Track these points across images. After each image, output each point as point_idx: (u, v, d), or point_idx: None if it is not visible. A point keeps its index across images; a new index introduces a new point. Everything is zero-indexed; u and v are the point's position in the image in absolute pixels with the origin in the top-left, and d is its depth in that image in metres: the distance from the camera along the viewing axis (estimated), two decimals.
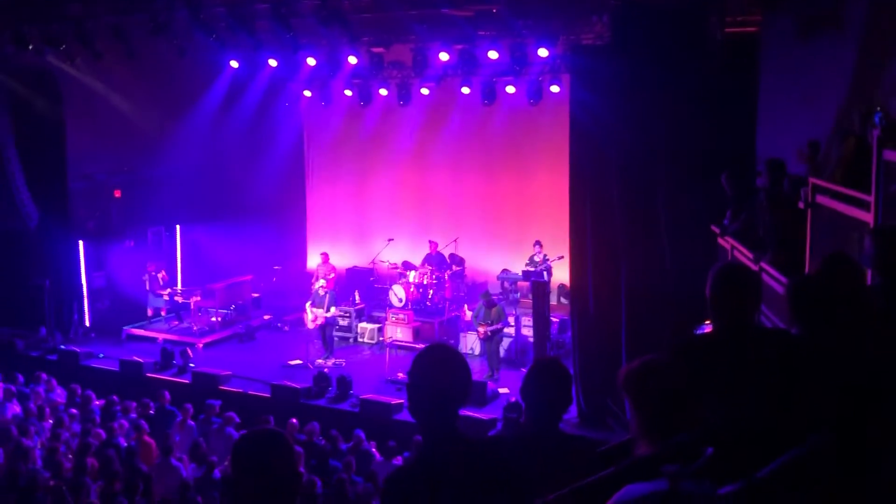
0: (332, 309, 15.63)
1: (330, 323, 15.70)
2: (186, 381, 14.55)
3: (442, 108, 18.02)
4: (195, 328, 17.22)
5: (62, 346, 16.46)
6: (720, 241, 9.64)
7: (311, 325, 15.69)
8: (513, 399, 12.77)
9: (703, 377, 3.23)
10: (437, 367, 3.03)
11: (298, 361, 15.45)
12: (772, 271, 7.49)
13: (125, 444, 10.89)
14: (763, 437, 2.16)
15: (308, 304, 15.78)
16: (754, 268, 7.77)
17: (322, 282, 16.10)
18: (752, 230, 8.57)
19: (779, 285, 7.06)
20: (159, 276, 17.90)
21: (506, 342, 15.11)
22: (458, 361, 3.07)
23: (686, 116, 11.39)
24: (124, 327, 17.35)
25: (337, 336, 16.35)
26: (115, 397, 13.09)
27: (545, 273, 15.91)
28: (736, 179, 9.48)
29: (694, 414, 2.75)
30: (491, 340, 14.30)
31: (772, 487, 1.66)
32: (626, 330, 12.09)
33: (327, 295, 15.57)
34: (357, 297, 17.45)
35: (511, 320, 15.11)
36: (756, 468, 1.78)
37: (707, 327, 4.26)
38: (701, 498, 1.72)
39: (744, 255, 8.49)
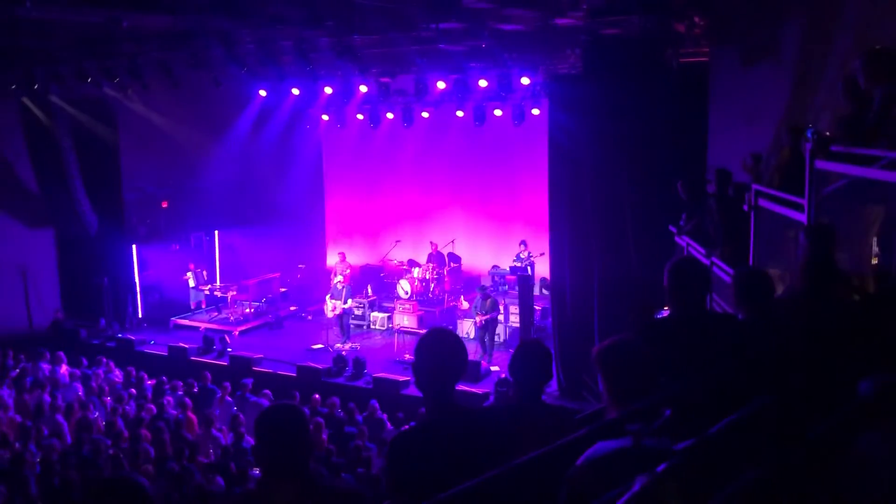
0: (349, 301, 15.63)
1: (347, 312, 15.70)
2: (225, 364, 14.57)
3: (440, 128, 18.02)
4: (232, 318, 17.23)
5: (119, 335, 16.45)
6: (677, 239, 9.64)
7: (330, 315, 15.71)
8: (503, 376, 12.77)
9: (663, 353, 3.25)
10: (437, 347, 3.03)
11: (320, 346, 15.46)
12: (721, 264, 7.49)
13: (174, 418, 10.89)
14: (713, 402, 2.18)
15: (328, 297, 15.79)
16: (706, 261, 7.78)
17: (340, 277, 16.13)
18: (704, 229, 8.57)
19: (727, 276, 7.06)
20: (203, 273, 17.93)
21: (499, 328, 15.09)
22: (456, 343, 3.07)
23: (647, 133, 11.40)
24: (171, 318, 17.37)
25: (353, 324, 16.35)
26: (164, 377, 13.09)
27: (529, 268, 15.92)
28: (690, 186, 9.48)
29: (655, 384, 2.77)
30: (486, 327, 14.27)
31: (721, 442, 1.68)
32: (597, 315, 12.09)
33: (344, 289, 15.58)
34: (370, 291, 17.45)
35: (501, 308, 15.09)
36: (707, 427, 1.80)
37: (666, 312, 4.28)
38: (660, 452, 1.73)
39: (697, 251, 8.49)
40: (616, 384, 2.78)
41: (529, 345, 3.89)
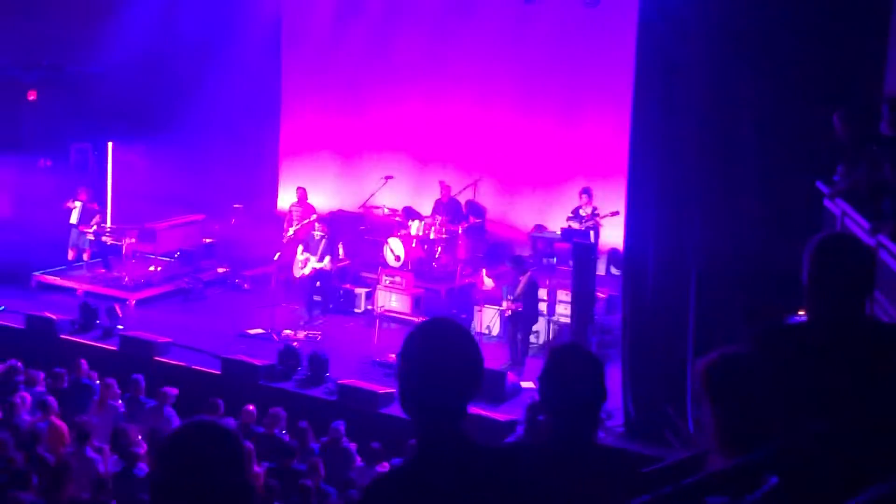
0: (326, 259, 15.90)
1: (323, 276, 16.11)
2: (113, 348, 14.67)
3: (465, 5, 17.84)
4: (127, 279, 17.30)
5: None
6: (827, 203, 9.57)
7: (298, 274, 16.12)
8: None
9: (791, 378, 3.24)
10: (437, 348, 3.04)
11: (260, 330, 15.58)
12: (892, 247, 7.46)
13: (27, 426, 10.96)
14: (859, 463, 2.16)
15: (300, 248, 16.18)
16: (870, 241, 7.74)
17: (296, 226, 16.30)
18: (871, 190, 8.50)
19: None
20: (97, 211, 17.92)
21: (540, 324, 15.03)
22: (466, 342, 3.09)
23: (795, 35, 11.24)
24: (34, 273, 17.47)
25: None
26: (17, 363, 13.18)
27: (592, 233, 15.87)
28: (854, 122, 9.35)
29: (778, 424, 2.77)
30: (518, 321, 14.26)
31: None
32: (694, 313, 12.07)
33: (323, 241, 15.78)
34: (341, 252, 17.49)
35: (543, 293, 15.09)
36: None
37: (801, 316, 4.25)
38: None
39: (858, 224, 8.44)
40: (728, 420, 2.79)
41: (563, 351, 3.86)
